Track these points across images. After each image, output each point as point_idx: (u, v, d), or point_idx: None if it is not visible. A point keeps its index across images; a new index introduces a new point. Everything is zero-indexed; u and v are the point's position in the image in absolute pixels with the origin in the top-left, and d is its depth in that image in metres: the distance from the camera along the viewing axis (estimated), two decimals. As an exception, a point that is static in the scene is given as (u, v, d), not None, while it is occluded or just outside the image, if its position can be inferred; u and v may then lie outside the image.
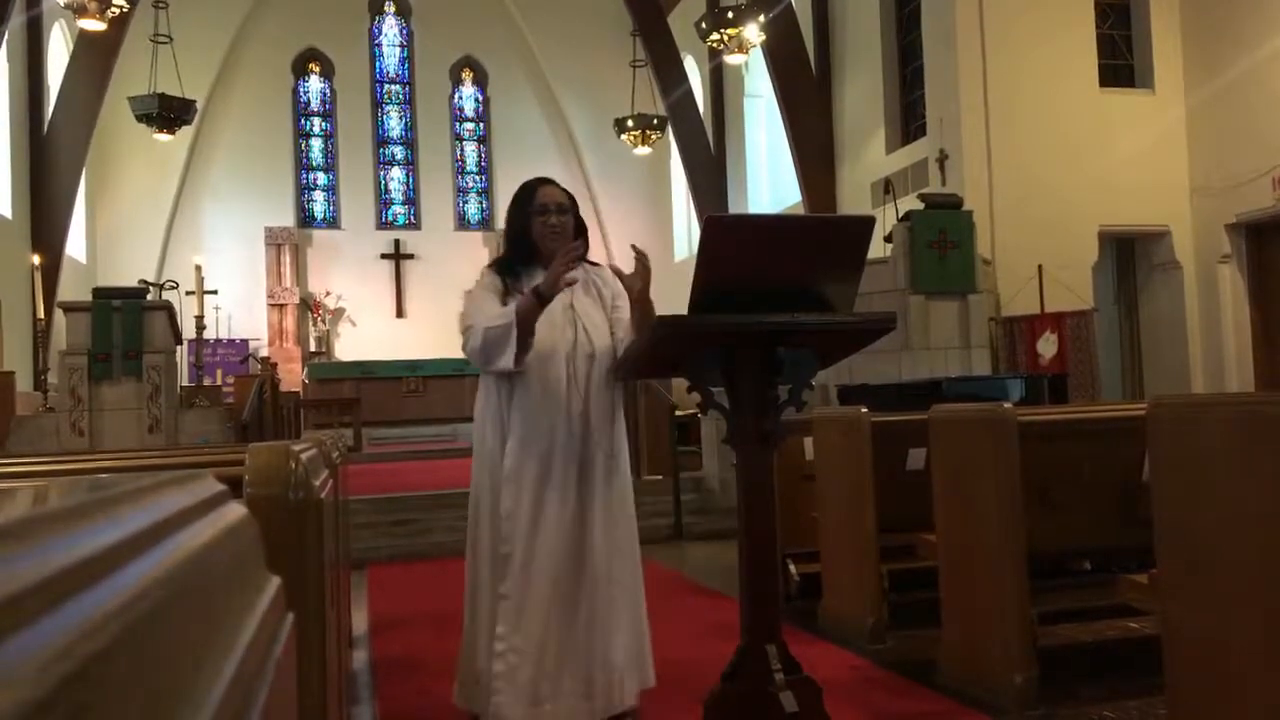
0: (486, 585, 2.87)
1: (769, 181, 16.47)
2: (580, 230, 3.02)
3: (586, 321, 2.92)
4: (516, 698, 2.75)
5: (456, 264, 19.04)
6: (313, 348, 18.26)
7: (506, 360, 2.75)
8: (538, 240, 2.96)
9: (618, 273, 2.96)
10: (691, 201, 17.23)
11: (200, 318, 9.89)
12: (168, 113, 13.69)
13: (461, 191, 19.93)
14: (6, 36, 11.87)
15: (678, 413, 8.10)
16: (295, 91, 19.34)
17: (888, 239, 8.80)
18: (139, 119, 13.83)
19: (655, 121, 15.93)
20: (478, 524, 2.94)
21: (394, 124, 19.89)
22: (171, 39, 14.09)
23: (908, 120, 12.57)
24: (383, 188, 19.67)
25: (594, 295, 2.99)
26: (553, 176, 3.20)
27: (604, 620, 2.84)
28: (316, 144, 19.54)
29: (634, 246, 2.92)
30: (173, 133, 14.30)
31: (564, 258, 2.67)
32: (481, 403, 2.99)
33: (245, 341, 17.33)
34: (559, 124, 19.73)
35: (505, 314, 2.77)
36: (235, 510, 0.63)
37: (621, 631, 2.87)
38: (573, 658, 2.81)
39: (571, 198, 3.05)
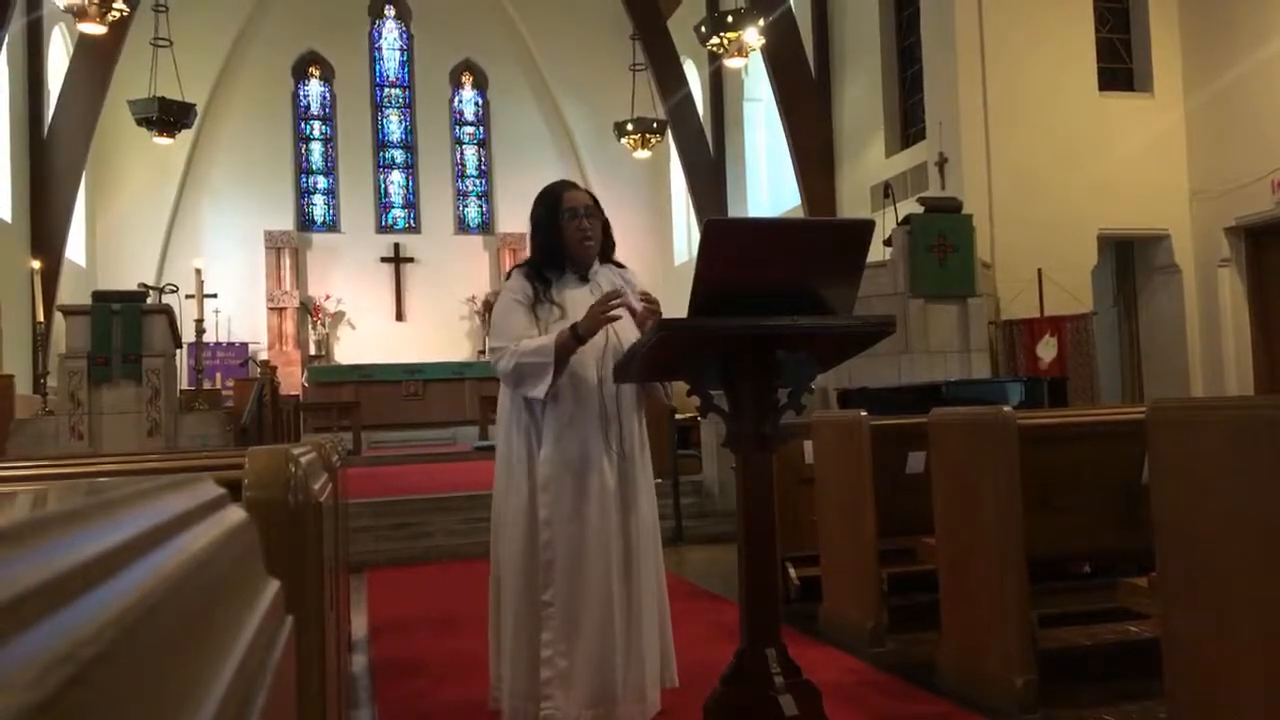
0: (520, 595, 2.85)
1: (768, 185, 16.48)
2: (605, 230, 3.07)
3: (617, 325, 2.92)
4: (567, 704, 2.76)
5: (456, 267, 19.07)
6: (312, 351, 18.26)
7: (539, 391, 2.81)
8: (569, 244, 2.97)
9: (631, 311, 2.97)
10: (691, 205, 17.24)
11: (200, 321, 9.88)
12: (168, 116, 13.69)
13: (461, 195, 19.94)
14: (6, 40, 11.87)
15: (677, 416, 8.10)
16: (295, 95, 19.35)
17: (887, 242, 8.80)
18: (139, 122, 13.83)
19: (655, 125, 15.94)
20: (503, 533, 2.92)
21: (394, 127, 19.89)
22: (171, 42, 14.09)
23: (907, 124, 12.58)
24: (382, 191, 19.68)
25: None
26: (552, 180, 3.23)
27: (646, 621, 2.88)
28: (316, 147, 19.54)
29: (645, 294, 2.95)
30: (172, 136, 14.30)
31: (604, 305, 2.75)
32: (507, 407, 2.98)
33: (245, 345, 17.33)
34: (559, 127, 19.75)
35: (544, 350, 2.79)
36: (234, 514, 0.63)
37: (655, 632, 2.93)
38: (620, 661, 2.82)
39: (595, 199, 3.07)
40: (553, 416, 2.87)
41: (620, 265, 3.13)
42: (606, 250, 3.09)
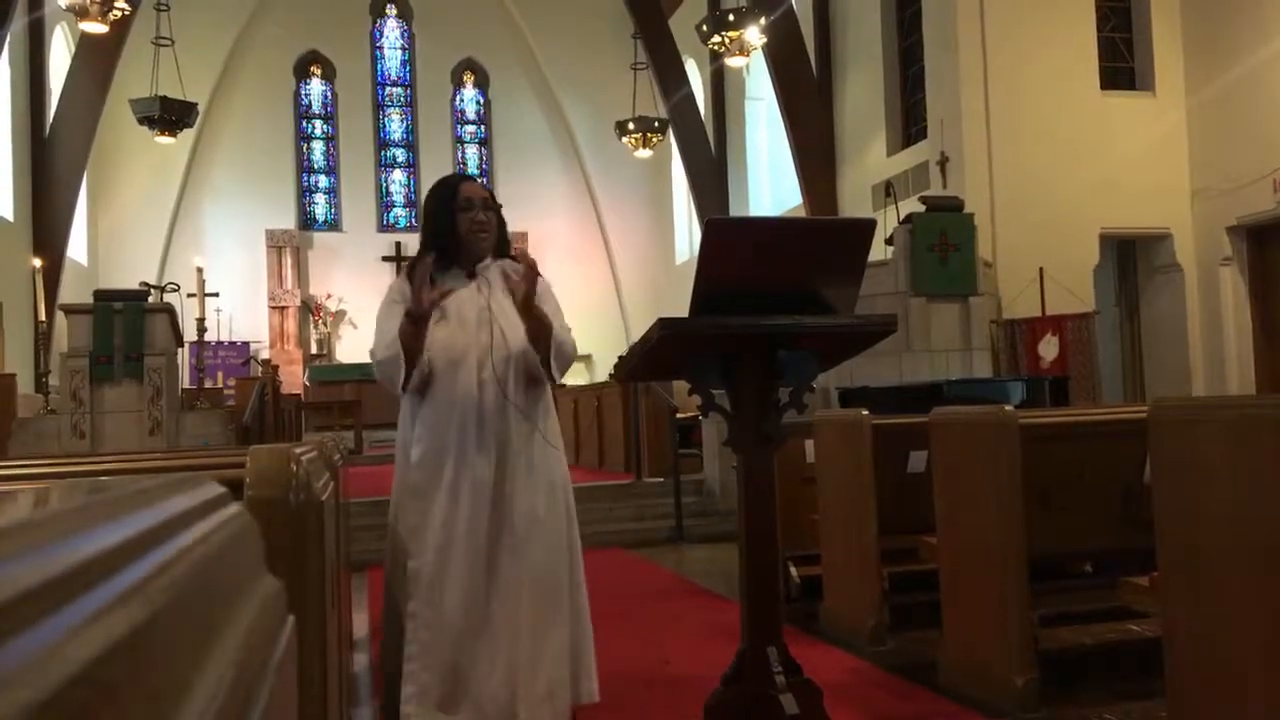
0: (395, 603, 2.74)
1: (770, 184, 16.47)
2: (501, 228, 2.92)
3: (504, 321, 2.77)
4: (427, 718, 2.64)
5: (457, 266, 19.09)
6: (314, 350, 18.27)
7: (398, 386, 2.74)
8: (464, 237, 2.82)
9: (522, 273, 2.78)
10: (692, 204, 17.24)
11: (201, 320, 9.87)
12: (169, 115, 13.71)
13: (462, 194, 19.95)
14: (8, 39, 11.88)
15: (679, 415, 8.10)
16: (297, 94, 19.36)
17: (889, 241, 8.80)
18: (140, 121, 13.85)
19: (656, 124, 15.94)
20: (393, 537, 2.80)
21: (395, 126, 19.91)
22: (173, 41, 14.11)
23: (909, 123, 12.58)
24: (384, 190, 19.69)
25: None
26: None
27: (526, 635, 2.69)
28: (318, 146, 19.56)
29: (522, 253, 2.81)
30: (174, 135, 14.32)
31: (427, 295, 2.66)
32: (401, 409, 2.88)
33: (246, 344, 17.35)
34: (560, 126, 19.74)
35: (392, 344, 2.72)
36: (236, 513, 0.63)
37: (550, 645, 2.71)
38: (488, 676, 2.66)
39: (493, 195, 2.94)
40: (424, 419, 2.76)
41: (517, 259, 2.92)
42: (501, 249, 2.93)
